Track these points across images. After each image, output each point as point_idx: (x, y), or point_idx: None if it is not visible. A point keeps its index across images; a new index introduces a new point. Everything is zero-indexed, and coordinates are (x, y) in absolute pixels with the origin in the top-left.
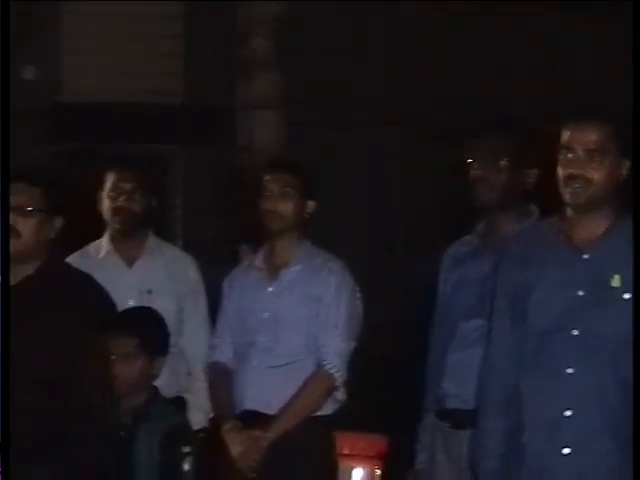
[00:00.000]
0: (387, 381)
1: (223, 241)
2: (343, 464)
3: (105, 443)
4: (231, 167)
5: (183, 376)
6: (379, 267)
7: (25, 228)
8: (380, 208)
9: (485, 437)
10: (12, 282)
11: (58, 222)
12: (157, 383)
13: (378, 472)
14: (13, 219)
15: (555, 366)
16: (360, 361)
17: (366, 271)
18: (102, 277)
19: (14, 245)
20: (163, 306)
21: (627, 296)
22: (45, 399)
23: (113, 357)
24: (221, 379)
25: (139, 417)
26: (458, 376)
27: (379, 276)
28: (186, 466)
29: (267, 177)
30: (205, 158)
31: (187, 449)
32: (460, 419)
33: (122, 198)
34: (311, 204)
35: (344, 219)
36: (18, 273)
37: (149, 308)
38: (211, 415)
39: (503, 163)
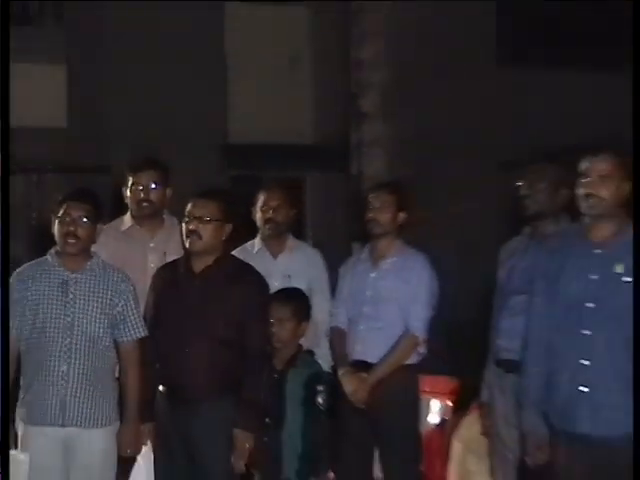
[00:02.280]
0: (457, 339)
1: (340, 240)
2: (424, 398)
3: (268, 382)
4: (348, 189)
5: (312, 335)
6: (457, 259)
7: (205, 233)
8: (460, 217)
9: (527, 378)
10: (196, 270)
11: (228, 228)
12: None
13: (450, 404)
14: (196, 225)
15: (575, 329)
16: (437, 325)
17: (446, 263)
18: (256, 265)
19: (197, 244)
20: (299, 286)
21: (626, 279)
22: (224, 349)
23: (272, 321)
24: (338, 338)
25: (289, 364)
26: (509, 335)
27: (456, 266)
28: (320, 400)
29: (371, 195)
30: (330, 182)
31: (321, 387)
32: (510, 366)
33: (270, 212)
34: (402, 215)
35: (433, 225)
36: (201, 263)
37: (297, 288)
38: (332, 364)
39: (543, 186)
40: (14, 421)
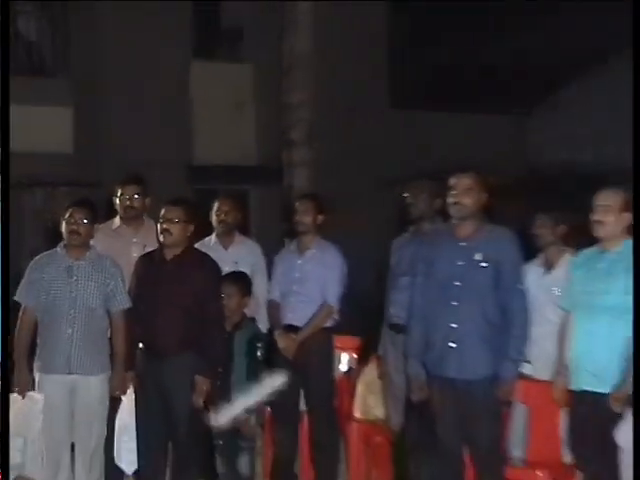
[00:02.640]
0: (362, 308)
1: (275, 236)
2: (337, 352)
3: (221, 341)
4: (281, 198)
5: (254, 306)
6: (363, 250)
7: (174, 230)
8: (364, 219)
9: (410, 337)
10: (167, 258)
11: (191, 227)
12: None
13: (355, 356)
14: (168, 225)
15: (447, 298)
16: (347, 299)
17: (355, 252)
18: (212, 255)
19: (169, 239)
20: (244, 270)
21: (483, 264)
22: (187, 313)
23: (223, 295)
24: (274, 308)
25: (236, 327)
26: (398, 306)
27: (364, 254)
28: (259, 353)
29: (297, 203)
30: (267, 193)
31: (260, 344)
32: (399, 329)
33: (222, 215)
34: (320, 217)
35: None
36: (171, 253)
37: (243, 271)
38: (268, 327)
39: (423, 196)
40: (32, 370)
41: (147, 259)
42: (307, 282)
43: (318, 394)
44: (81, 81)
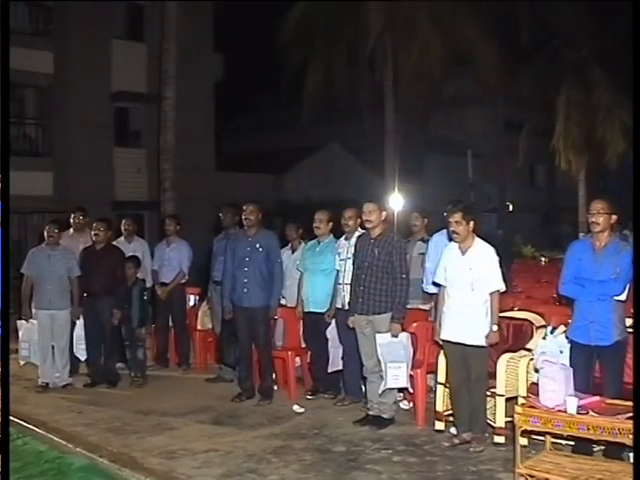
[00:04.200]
0: (200, 272)
1: (157, 238)
2: (188, 295)
3: (126, 290)
4: (160, 218)
5: (144, 273)
6: (200, 243)
7: (101, 234)
8: (201, 227)
9: (225, 287)
10: (97, 249)
11: (110, 233)
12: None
13: (198, 297)
14: (98, 232)
15: (242, 267)
16: (192, 269)
17: (196, 244)
18: (121, 247)
19: (98, 239)
20: (138, 254)
21: (260, 249)
22: (108, 277)
23: (126, 268)
24: (155, 274)
25: (134, 284)
26: (219, 271)
27: (200, 245)
28: (146, 297)
29: (167, 220)
30: (154, 216)
31: (146, 293)
32: (218, 283)
33: (128, 227)
34: (178, 226)
35: (190, 230)
36: (99, 246)
37: (136, 255)
38: (152, 283)
39: (229, 215)
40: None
41: (87, 250)
42: (172, 260)
43: (178, 317)
44: (57, 160)
